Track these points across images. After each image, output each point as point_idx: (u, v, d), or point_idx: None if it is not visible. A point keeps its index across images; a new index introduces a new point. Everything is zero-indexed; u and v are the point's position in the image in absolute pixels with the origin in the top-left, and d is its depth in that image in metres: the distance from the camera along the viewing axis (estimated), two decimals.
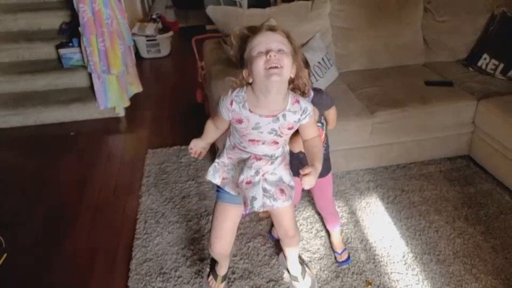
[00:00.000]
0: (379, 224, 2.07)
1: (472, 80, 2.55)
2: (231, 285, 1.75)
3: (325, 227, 1.98)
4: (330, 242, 1.92)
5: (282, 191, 1.34)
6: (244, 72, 1.20)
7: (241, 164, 1.34)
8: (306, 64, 1.45)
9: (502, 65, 2.58)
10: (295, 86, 1.26)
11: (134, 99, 3.25)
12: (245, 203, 1.33)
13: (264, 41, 1.13)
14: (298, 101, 1.23)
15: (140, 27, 4.28)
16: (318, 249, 1.92)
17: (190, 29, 4.97)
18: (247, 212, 1.38)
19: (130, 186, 2.38)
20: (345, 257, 1.85)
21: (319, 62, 2.37)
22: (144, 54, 4.37)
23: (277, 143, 1.28)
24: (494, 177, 2.36)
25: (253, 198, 1.30)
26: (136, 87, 3.30)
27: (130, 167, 2.58)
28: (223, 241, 1.46)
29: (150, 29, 4.26)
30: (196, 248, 1.94)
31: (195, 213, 2.14)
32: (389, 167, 2.46)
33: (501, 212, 2.13)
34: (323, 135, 1.55)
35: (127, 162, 2.64)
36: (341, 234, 1.93)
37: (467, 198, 2.23)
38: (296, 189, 1.55)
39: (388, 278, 1.79)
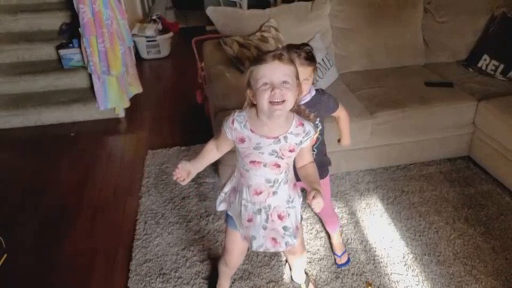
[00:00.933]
0: (379, 225, 2.07)
1: (472, 80, 2.56)
2: (231, 286, 1.74)
3: (325, 228, 1.98)
4: (330, 244, 1.92)
5: (273, 240, 1.33)
6: (249, 93, 1.20)
7: (242, 200, 1.33)
8: (313, 59, 1.45)
9: (502, 66, 2.58)
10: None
11: (134, 100, 3.25)
12: (246, 238, 1.38)
13: (270, 73, 1.13)
14: (302, 124, 1.23)
15: (140, 28, 4.28)
16: (318, 250, 1.92)
17: (190, 29, 4.97)
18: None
19: (130, 187, 2.38)
20: (344, 259, 1.85)
21: (319, 63, 2.37)
22: (144, 55, 4.37)
23: (279, 166, 1.24)
24: (494, 178, 2.36)
25: (253, 237, 1.33)
26: (136, 88, 3.30)
27: (130, 167, 2.58)
28: (235, 262, 1.55)
29: (150, 29, 4.26)
30: (196, 249, 1.94)
31: (195, 214, 2.14)
32: (389, 167, 2.46)
33: (501, 213, 2.13)
34: (315, 138, 1.54)
35: (127, 163, 2.64)
36: (341, 235, 1.93)
37: (467, 199, 2.23)
38: None
39: (388, 279, 1.78)
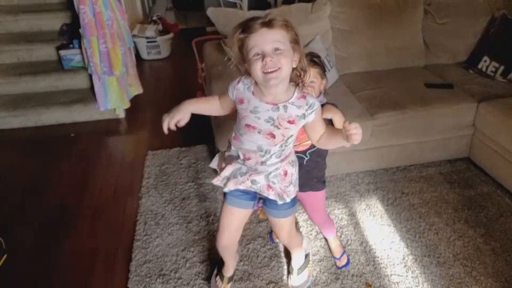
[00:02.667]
0: (379, 226, 2.07)
1: (472, 82, 2.56)
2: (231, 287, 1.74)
3: None
4: (329, 247, 1.92)
5: (269, 186, 1.32)
6: (247, 66, 1.18)
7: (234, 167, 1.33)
8: (315, 61, 1.46)
9: (502, 68, 2.58)
10: (295, 75, 1.22)
11: (134, 100, 3.25)
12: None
13: (260, 42, 1.10)
14: (304, 97, 1.20)
15: (140, 28, 4.29)
16: (318, 251, 1.92)
17: (191, 30, 4.98)
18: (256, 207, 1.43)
19: (130, 188, 2.38)
20: (344, 261, 1.85)
21: None
22: (145, 55, 4.38)
23: (273, 136, 1.22)
24: (494, 180, 2.36)
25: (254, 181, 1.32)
26: (137, 89, 3.30)
27: (130, 168, 2.58)
28: (229, 239, 1.51)
29: (150, 30, 4.27)
30: (196, 249, 1.94)
31: (195, 215, 2.14)
32: (389, 169, 2.46)
33: (501, 215, 2.13)
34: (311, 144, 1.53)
35: (127, 164, 2.64)
36: (338, 238, 1.91)
37: (467, 201, 2.23)
38: None
39: (388, 280, 1.78)
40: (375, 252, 1.92)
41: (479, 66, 2.69)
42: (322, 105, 1.47)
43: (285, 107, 1.19)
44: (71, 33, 3.23)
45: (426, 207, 2.18)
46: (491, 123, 2.29)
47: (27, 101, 3.10)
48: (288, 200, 1.36)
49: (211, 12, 2.49)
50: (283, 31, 1.12)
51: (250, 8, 4.43)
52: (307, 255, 1.79)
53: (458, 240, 1.97)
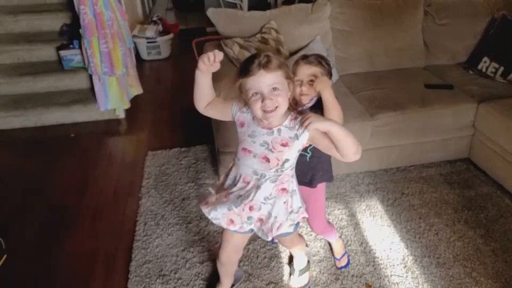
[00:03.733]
0: (378, 227, 2.07)
1: (472, 83, 2.56)
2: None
3: None
4: (330, 248, 1.92)
5: (230, 220, 1.34)
6: (247, 103, 1.21)
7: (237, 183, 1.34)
8: (327, 75, 1.46)
9: (502, 68, 2.58)
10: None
11: (134, 101, 3.25)
12: (207, 203, 1.39)
13: (258, 85, 1.14)
14: (296, 118, 1.22)
15: (141, 29, 4.29)
16: (318, 251, 1.92)
17: (191, 31, 4.98)
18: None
19: (130, 188, 2.38)
20: (344, 262, 1.85)
21: None
22: (145, 56, 4.38)
23: (268, 160, 1.24)
24: (494, 180, 2.36)
25: (214, 208, 1.34)
26: (137, 89, 3.30)
27: (130, 168, 2.58)
28: (228, 257, 1.56)
29: (151, 31, 4.27)
30: (196, 250, 1.94)
31: (195, 216, 2.14)
32: (389, 169, 2.46)
33: (501, 215, 2.13)
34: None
35: (127, 164, 2.64)
36: (340, 239, 1.91)
37: (467, 201, 2.23)
38: None
39: (388, 280, 1.78)
40: (375, 253, 1.92)
41: (479, 67, 2.69)
42: None
43: (279, 130, 1.22)
44: (71, 34, 3.23)
45: (426, 208, 2.18)
46: (491, 124, 2.29)
47: (28, 101, 3.10)
48: (279, 232, 1.34)
49: (211, 12, 2.49)
50: (279, 71, 1.16)
51: (250, 8, 4.43)
52: (308, 262, 1.79)
53: (458, 241, 1.97)
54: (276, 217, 1.32)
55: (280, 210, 1.32)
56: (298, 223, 1.43)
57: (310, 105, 1.49)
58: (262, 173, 1.27)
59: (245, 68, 1.16)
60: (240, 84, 1.19)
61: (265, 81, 1.14)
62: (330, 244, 1.92)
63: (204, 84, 1.27)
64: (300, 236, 1.78)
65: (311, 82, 1.45)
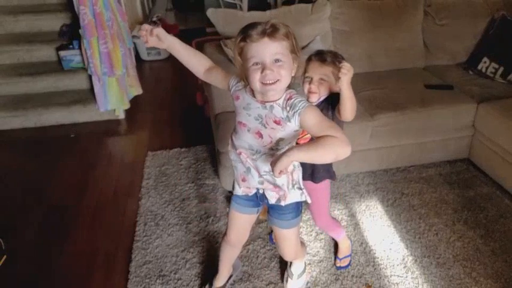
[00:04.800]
0: (378, 227, 2.07)
1: (472, 83, 2.56)
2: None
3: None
4: (335, 247, 1.91)
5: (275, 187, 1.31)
6: (245, 73, 1.15)
7: (232, 161, 1.35)
8: (326, 58, 1.46)
9: (502, 69, 2.59)
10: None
11: (134, 101, 3.25)
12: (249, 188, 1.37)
13: (260, 53, 1.07)
14: (291, 98, 1.14)
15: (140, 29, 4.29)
16: (318, 252, 1.92)
17: (191, 31, 4.97)
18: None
19: (130, 189, 2.38)
20: (344, 263, 1.84)
21: None
22: (144, 56, 4.38)
23: (261, 136, 1.19)
24: (494, 181, 2.36)
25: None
26: (136, 90, 3.30)
27: (130, 169, 2.58)
28: (237, 237, 1.54)
29: None
30: (196, 250, 1.94)
31: (194, 216, 2.14)
32: (389, 170, 2.46)
33: (501, 216, 2.13)
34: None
35: (127, 165, 2.64)
36: (348, 239, 1.90)
37: (467, 202, 2.23)
38: None
39: (388, 281, 1.78)
40: (375, 253, 1.92)
41: (479, 67, 2.69)
42: (334, 98, 1.46)
43: (271, 106, 1.15)
44: (71, 34, 3.23)
45: (426, 208, 2.18)
46: (491, 124, 2.29)
47: (27, 102, 3.09)
48: (289, 201, 1.33)
49: (211, 13, 2.49)
50: (284, 41, 1.09)
51: (250, 8, 4.43)
52: (305, 264, 1.77)
53: (458, 241, 1.97)
54: (282, 184, 1.29)
55: (283, 179, 1.28)
56: (300, 213, 1.40)
57: (319, 101, 1.48)
58: (257, 148, 1.23)
59: (247, 32, 1.08)
60: (242, 49, 1.11)
61: (269, 49, 1.06)
62: (336, 243, 1.91)
63: (179, 56, 1.28)
64: (303, 244, 1.70)
65: (321, 81, 1.44)
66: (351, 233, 2.03)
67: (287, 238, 1.47)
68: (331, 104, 1.48)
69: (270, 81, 1.08)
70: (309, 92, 1.48)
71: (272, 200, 1.35)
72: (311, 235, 2.01)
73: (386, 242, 1.98)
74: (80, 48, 3.05)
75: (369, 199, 2.25)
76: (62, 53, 3.18)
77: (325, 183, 1.63)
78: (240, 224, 1.49)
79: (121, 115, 3.18)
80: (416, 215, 2.14)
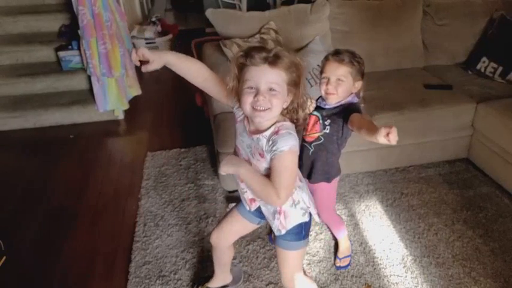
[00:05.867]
0: (378, 227, 2.07)
1: (471, 83, 2.56)
2: None
3: (328, 230, 1.99)
4: (335, 247, 1.91)
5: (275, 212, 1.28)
6: (234, 91, 1.16)
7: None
8: (357, 75, 1.44)
9: (500, 68, 2.59)
10: (287, 112, 1.17)
11: (133, 102, 3.25)
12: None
13: (257, 78, 1.07)
14: (277, 132, 1.12)
15: (139, 30, 4.29)
16: (317, 252, 1.92)
17: (190, 32, 4.97)
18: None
19: (129, 189, 2.38)
20: (344, 263, 1.84)
21: (318, 65, 2.37)
22: None
23: (250, 163, 1.20)
24: (493, 180, 2.36)
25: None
26: (136, 90, 3.30)
27: (129, 169, 2.58)
28: (221, 238, 1.50)
29: (150, 32, 4.27)
30: (196, 251, 1.94)
31: (194, 216, 2.14)
32: (389, 170, 2.47)
33: (500, 215, 2.13)
34: (315, 135, 1.53)
35: (126, 165, 2.64)
36: (349, 240, 1.91)
37: (466, 201, 2.23)
38: None
39: (387, 280, 1.78)
40: (374, 253, 1.92)
41: (478, 67, 2.69)
42: (351, 109, 1.43)
43: (258, 139, 1.15)
44: (70, 35, 3.23)
45: (425, 208, 2.18)
46: (490, 124, 2.29)
47: (26, 102, 3.09)
48: (290, 225, 1.27)
49: (210, 13, 2.49)
50: (283, 72, 1.09)
51: (249, 9, 4.43)
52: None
53: (458, 241, 1.97)
54: (276, 212, 1.27)
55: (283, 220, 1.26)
56: (302, 237, 1.31)
57: (337, 104, 1.47)
58: None
59: (251, 54, 1.08)
60: (240, 66, 1.10)
61: (266, 77, 1.07)
62: (336, 243, 1.92)
63: (180, 71, 1.25)
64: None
65: (339, 81, 1.42)
66: (351, 233, 2.03)
67: (284, 259, 1.38)
68: (345, 115, 1.46)
69: (261, 108, 1.08)
70: (326, 93, 1.45)
71: (275, 230, 1.31)
72: (310, 235, 2.00)
73: (385, 241, 1.98)
74: (79, 48, 3.05)
75: (369, 199, 2.25)
76: (61, 54, 3.18)
77: (324, 185, 1.63)
78: (233, 225, 1.45)
79: (120, 116, 3.18)
80: (416, 215, 2.14)
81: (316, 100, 1.58)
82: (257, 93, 1.07)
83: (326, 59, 1.46)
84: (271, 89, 1.08)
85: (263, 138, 1.14)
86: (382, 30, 2.69)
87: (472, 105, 2.35)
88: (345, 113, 1.45)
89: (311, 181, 1.62)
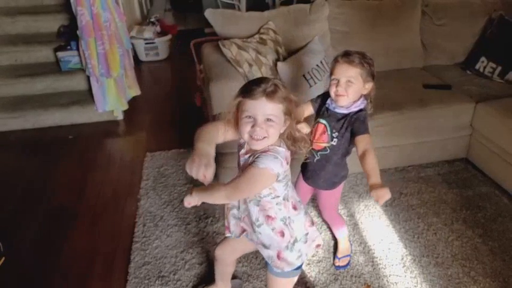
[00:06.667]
0: (377, 227, 2.07)
1: (470, 83, 2.57)
2: None
3: (328, 231, 1.99)
4: (335, 246, 1.92)
5: (242, 228, 1.33)
6: (232, 121, 1.19)
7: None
8: (368, 77, 1.45)
9: (499, 68, 2.59)
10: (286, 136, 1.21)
11: (133, 102, 3.25)
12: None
13: (255, 110, 1.11)
14: (265, 152, 1.15)
15: (138, 30, 4.29)
16: (317, 252, 1.92)
17: (189, 32, 4.97)
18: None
19: (128, 190, 2.38)
20: (343, 263, 1.84)
21: (317, 65, 2.38)
22: (143, 57, 4.37)
23: None
24: (492, 180, 2.36)
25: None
26: (135, 91, 3.30)
27: (128, 170, 2.58)
28: (227, 254, 1.54)
29: (149, 32, 4.26)
30: (195, 251, 1.94)
31: (193, 217, 2.14)
32: (388, 169, 2.47)
33: (499, 215, 2.13)
34: (322, 145, 1.52)
35: (125, 166, 2.64)
36: (349, 241, 1.91)
37: (465, 201, 2.24)
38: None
39: (387, 280, 1.79)
40: (374, 253, 1.92)
41: (477, 67, 2.70)
42: (358, 125, 1.45)
43: (250, 157, 1.18)
44: (69, 35, 3.23)
45: (425, 208, 2.19)
46: (488, 123, 2.29)
47: (25, 103, 3.09)
48: (288, 268, 1.28)
49: (209, 13, 2.49)
50: (280, 104, 1.13)
51: (248, 9, 4.43)
52: None
53: (457, 241, 1.98)
54: (270, 245, 1.27)
55: (271, 239, 1.26)
56: (302, 263, 1.31)
57: (348, 111, 1.47)
58: None
59: (249, 89, 1.13)
60: (239, 102, 1.15)
61: (264, 110, 1.11)
62: (335, 243, 1.92)
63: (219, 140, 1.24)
64: None
65: (349, 83, 1.41)
66: (350, 233, 2.03)
67: (273, 284, 1.38)
68: (352, 129, 1.47)
69: (258, 137, 1.12)
70: (336, 95, 1.44)
71: (266, 258, 1.31)
72: None
73: (385, 241, 1.98)
74: (77, 49, 3.05)
75: (368, 199, 2.25)
76: (60, 54, 3.18)
77: (327, 192, 1.66)
78: (237, 243, 1.46)
79: (119, 116, 3.18)
80: (415, 215, 2.14)
81: (321, 100, 1.56)
82: (254, 124, 1.12)
83: (335, 60, 1.44)
84: (268, 120, 1.12)
85: (252, 156, 1.17)
86: (381, 31, 2.69)
87: (471, 105, 2.36)
88: (352, 126, 1.46)
89: (315, 187, 1.62)
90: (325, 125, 1.52)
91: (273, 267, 1.30)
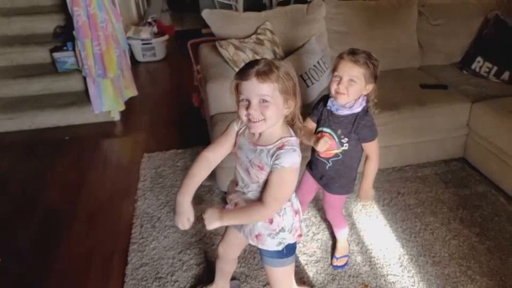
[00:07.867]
0: (375, 227, 2.07)
1: (466, 83, 2.57)
2: None
3: (326, 230, 1.99)
4: (333, 245, 1.92)
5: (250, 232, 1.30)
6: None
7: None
8: (370, 78, 1.42)
9: (495, 68, 2.60)
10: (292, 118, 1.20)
11: (129, 103, 3.24)
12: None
13: (248, 92, 1.10)
14: (282, 147, 1.14)
15: (135, 31, 4.28)
16: (315, 252, 1.92)
17: (186, 32, 4.97)
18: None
19: (126, 191, 2.37)
20: (341, 263, 1.84)
21: (314, 66, 2.38)
22: (140, 58, 4.37)
23: (249, 174, 1.22)
24: (489, 179, 2.37)
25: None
26: (132, 91, 3.29)
27: (126, 171, 2.57)
28: (226, 252, 1.54)
29: (146, 32, 4.26)
30: (193, 252, 1.93)
31: None
32: (385, 169, 2.47)
33: (496, 214, 2.14)
34: (333, 153, 1.53)
35: (123, 167, 2.63)
36: (347, 242, 1.91)
37: (462, 200, 2.24)
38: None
39: (384, 280, 1.79)
40: (371, 253, 1.92)
41: (473, 66, 2.70)
42: (366, 130, 1.47)
43: (261, 151, 1.17)
44: (65, 36, 3.22)
45: (422, 207, 2.19)
46: (485, 123, 2.30)
47: (22, 104, 3.08)
48: (263, 247, 1.29)
49: (206, 13, 2.49)
50: (274, 83, 1.10)
51: (245, 9, 4.43)
52: None
53: (454, 240, 1.98)
54: (254, 225, 1.27)
55: (260, 225, 1.27)
56: (287, 255, 1.31)
57: (350, 112, 1.46)
58: (246, 182, 1.25)
59: (243, 70, 1.12)
60: (237, 84, 1.14)
61: (256, 90, 1.09)
62: (334, 243, 1.92)
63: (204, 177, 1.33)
64: None
65: (351, 82, 1.39)
66: (348, 233, 2.03)
67: (271, 276, 1.39)
68: (357, 129, 1.47)
69: (254, 120, 1.12)
70: (337, 92, 1.42)
71: (250, 240, 1.32)
72: (307, 235, 2.01)
73: (382, 241, 1.99)
74: (74, 49, 3.04)
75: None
76: (56, 55, 3.17)
77: (338, 197, 1.70)
78: (230, 240, 1.48)
79: (116, 117, 3.18)
80: (412, 214, 2.14)
81: (321, 105, 1.56)
82: (248, 106, 1.11)
83: (340, 57, 1.42)
84: (263, 101, 1.10)
85: (266, 151, 1.16)
86: (378, 31, 2.69)
87: (467, 104, 2.37)
88: (359, 133, 1.47)
89: (328, 191, 1.64)
90: (330, 133, 1.52)
91: (249, 240, 1.31)
